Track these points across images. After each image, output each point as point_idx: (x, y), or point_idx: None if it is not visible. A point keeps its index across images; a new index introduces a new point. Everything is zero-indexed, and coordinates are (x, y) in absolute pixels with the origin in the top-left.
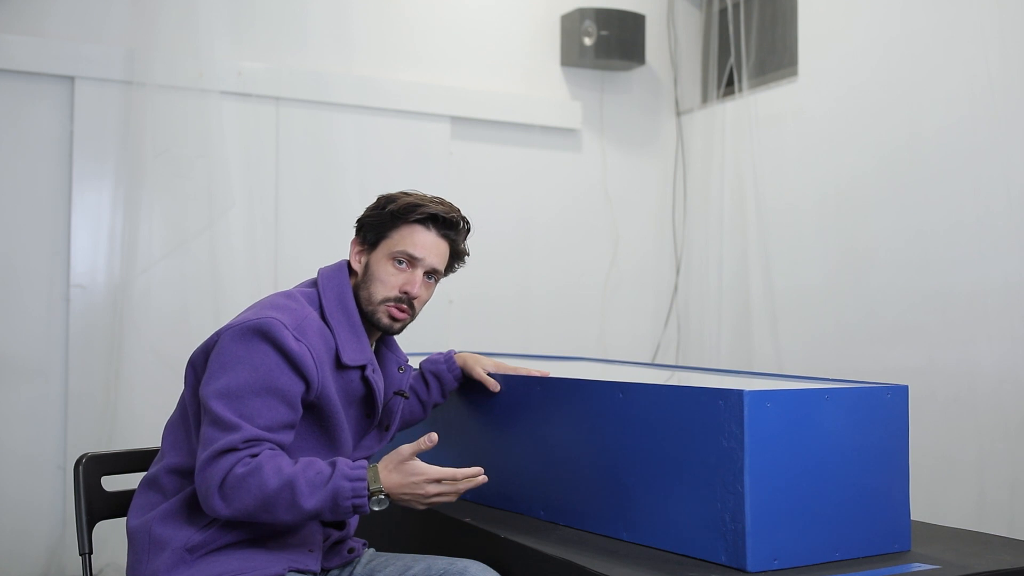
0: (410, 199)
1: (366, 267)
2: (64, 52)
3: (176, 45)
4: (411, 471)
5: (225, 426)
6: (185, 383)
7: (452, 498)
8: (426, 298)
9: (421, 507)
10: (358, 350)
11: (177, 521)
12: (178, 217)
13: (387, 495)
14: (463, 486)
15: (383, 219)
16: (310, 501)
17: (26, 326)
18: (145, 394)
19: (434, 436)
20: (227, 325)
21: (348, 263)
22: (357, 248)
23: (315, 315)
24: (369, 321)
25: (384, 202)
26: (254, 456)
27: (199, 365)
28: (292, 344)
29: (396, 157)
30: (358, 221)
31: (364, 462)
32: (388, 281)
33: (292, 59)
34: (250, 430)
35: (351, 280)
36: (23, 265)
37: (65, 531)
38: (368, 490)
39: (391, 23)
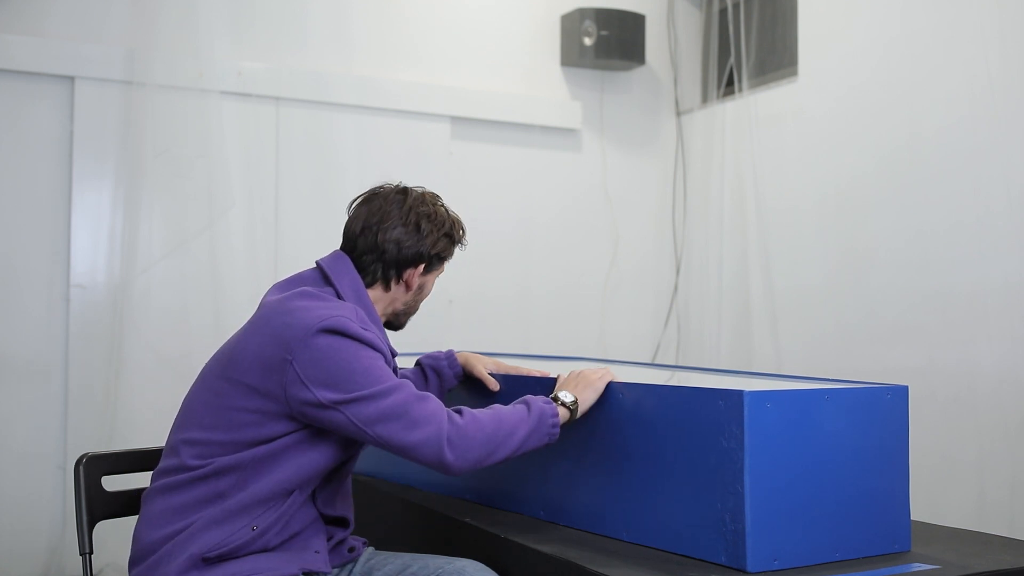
0: (455, 222)
1: (420, 288)
2: (64, 52)
3: (176, 45)
4: (577, 372)
5: (389, 391)
6: (235, 365)
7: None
8: None
9: (597, 390)
10: (387, 342)
11: (201, 534)
12: (178, 217)
13: (576, 400)
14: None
15: (452, 244)
16: (522, 429)
17: (26, 326)
18: (145, 394)
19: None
20: (293, 328)
21: (402, 279)
22: (419, 271)
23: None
24: (390, 324)
25: (448, 229)
26: (447, 411)
27: (268, 372)
28: (366, 334)
29: (396, 157)
30: (437, 256)
31: (544, 395)
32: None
33: (292, 59)
34: (406, 382)
35: (388, 291)
36: (23, 265)
37: (65, 531)
38: (563, 403)
39: (391, 23)
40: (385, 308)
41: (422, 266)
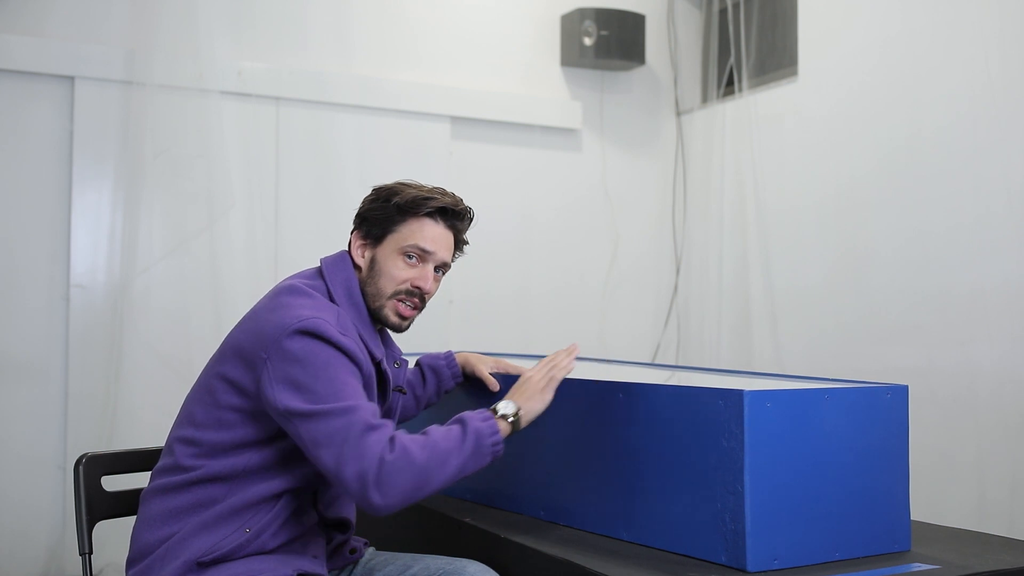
0: (416, 192)
1: (372, 262)
2: (64, 52)
3: (176, 45)
4: (524, 379)
5: (341, 413)
6: (224, 361)
7: (563, 372)
8: (435, 292)
9: (545, 400)
10: (375, 345)
11: (193, 539)
12: (178, 217)
13: (517, 412)
14: (558, 356)
15: (389, 212)
16: (457, 458)
17: (26, 326)
18: (145, 394)
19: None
20: (262, 327)
21: (349, 254)
22: (360, 242)
23: (340, 310)
24: (375, 318)
25: (387, 194)
26: (391, 440)
27: (248, 362)
28: (343, 340)
29: (396, 157)
30: (359, 215)
31: (483, 410)
32: (398, 276)
33: (292, 59)
34: (364, 403)
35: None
36: (23, 265)
37: (65, 531)
38: (504, 417)
39: (391, 23)
40: (369, 301)
41: (358, 232)
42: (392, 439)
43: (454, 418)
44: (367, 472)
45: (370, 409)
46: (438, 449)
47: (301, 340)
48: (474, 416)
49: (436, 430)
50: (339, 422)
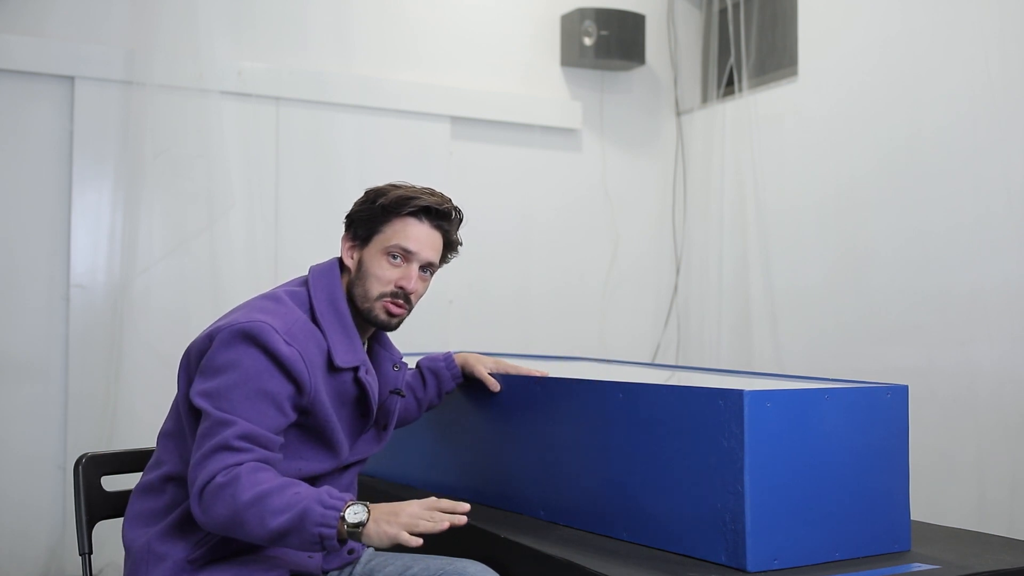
0: (400, 191)
1: (359, 263)
2: (64, 52)
3: (176, 45)
4: (402, 505)
5: (217, 422)
6: (178, 383)
7: (430, 524)
8: (422, 292)
9: (391, 532)
10: (350, 351)
11: (178, 535)
12: (178, 217)
13: (362, 524)
14: (444, 506)
15: (374, 213)
16: (277, 519)
17: (26, 326)
18: (145, 394)
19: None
20: (216, 327)
21: (340, 260)
22: (348, 244)
23: (304, 317)
24: (365, 318)
25: (374, 196)
26: (239, 464)
27: (193, 365)
28: (283, 348)
29: (396, 157)
30: (348, 216)
31: (348, 495)
32: (383, 276)
33: (292, 59)
34: (244, 425)
35: (344, 277)
36: (23, 265)
37: (65, 531)
38: (345, 519)
39: (391, 23)
40: (358, 303)
41: (347, 234)
42: (236, 466)
43: (308, 489)
44: (198, 484)
45: (246, 430)
46: (265, 502)
47: (237, 341)
48: (321, 499)
49: (289, 484)
50: (212, 429)
